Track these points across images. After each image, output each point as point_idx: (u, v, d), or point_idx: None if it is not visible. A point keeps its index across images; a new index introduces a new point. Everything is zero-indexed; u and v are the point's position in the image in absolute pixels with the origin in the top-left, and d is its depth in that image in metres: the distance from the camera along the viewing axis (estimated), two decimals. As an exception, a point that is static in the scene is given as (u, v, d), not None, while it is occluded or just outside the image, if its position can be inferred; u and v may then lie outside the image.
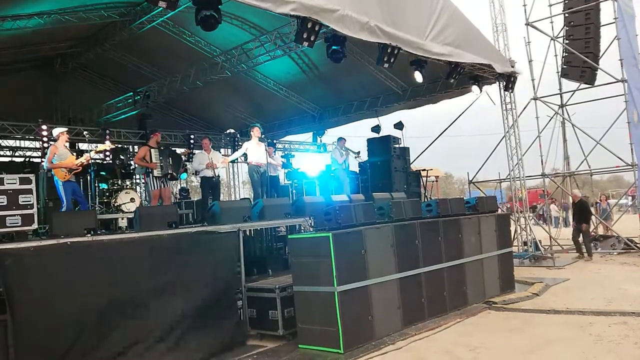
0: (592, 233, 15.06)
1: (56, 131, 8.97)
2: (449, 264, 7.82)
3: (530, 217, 14.20)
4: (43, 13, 10.33)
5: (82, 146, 15.48)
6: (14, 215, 6.22)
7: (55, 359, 5.25)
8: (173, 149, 14.42)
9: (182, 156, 12.12)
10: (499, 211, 10.44)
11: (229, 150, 19.41)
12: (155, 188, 9.70)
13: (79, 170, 8.88)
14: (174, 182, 10.61)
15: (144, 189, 12.90)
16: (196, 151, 14.24)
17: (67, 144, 9.20)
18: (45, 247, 5.59)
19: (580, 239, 12.79)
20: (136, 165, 11.67)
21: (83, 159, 8.88)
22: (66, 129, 9.09)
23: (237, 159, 10.52)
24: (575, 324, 6.67)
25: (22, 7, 9.90)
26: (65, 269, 5.57)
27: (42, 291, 5.34)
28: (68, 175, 8.56)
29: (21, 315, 5.14)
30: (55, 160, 8.52)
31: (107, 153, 13.55)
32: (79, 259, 5.71)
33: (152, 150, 9.71)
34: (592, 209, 15.53)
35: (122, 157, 15.01)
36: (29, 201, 6.37)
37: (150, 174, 9.71)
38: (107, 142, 11.28)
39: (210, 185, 11.12)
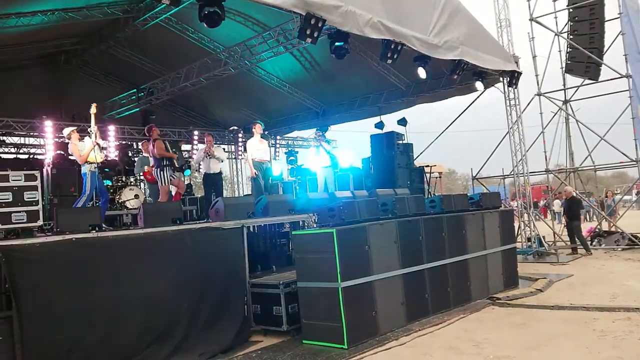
0: (597, 229, 15.08)
1: (67, 131, 9.03)
2: (452, 259, 7.83)
3: (534, 213, 14.18)
4: (47, 10, 10.36)
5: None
6: (20, 211, 6.24)
7: (62, 355, 5.29)
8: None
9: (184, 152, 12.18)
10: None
11: (232, 147, 19.47)
12: (166, 184, 9.73)
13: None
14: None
15: (146, 187, 12.93)
16: (200, 145, 14.30)
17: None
18: (51, 244, 5.61)
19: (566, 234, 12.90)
20: (142, 165, 11.76)
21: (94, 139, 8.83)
22: (75, 128, 9.15)
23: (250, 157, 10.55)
24: (579, 320, 6.67)
25: (26, 4, 9.92)
26: (70, 266, 5.60)
27: (48, 287, 5.37)
28: (103, 157, 8.87)
29: (27, 311, 5.17)
30: (83, 152, 8.64)
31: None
32: (84, 255, 5.74)
33: (165, 142, 9.81)
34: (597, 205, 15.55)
35: (129, 153, 15.07)
36: (34, 198, 6.40)
37: (165, 168, 9.68)
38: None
39: (213, 182, 11.17)
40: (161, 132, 16.01)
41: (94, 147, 8.56)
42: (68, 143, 9.09)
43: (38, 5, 10.09)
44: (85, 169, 8.63)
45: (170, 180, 9.81)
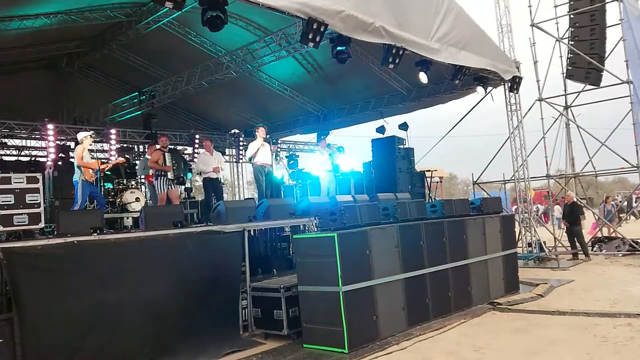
0: (598, 234, 15.08)
1: (81, 135, 9.14)
2: (453, 264, 7.83)
3: (534, 218, 14.18)
4: (49, 13, 10.40)
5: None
6: (21, 214, 6.25)
7: (62, 357, 5.28)
8: (179, 149, 14.55)
9: (186, 156, 12.14)
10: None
11: (233, 150, 19.47)
12: (163, 191, 9.82)
13: (101, 174, 9.28)
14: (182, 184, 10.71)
15: (147, 190, 12.97)
16: (201, 150, 14.27)
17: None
18: (52, 246, 5.62)
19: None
20: (145, 167, 11.80)
21: (104, 166, 9.37)
22: (90, 133, 9.23)
23: (252, 157, 10.57)
24: (579, 325, 6.67)
25: (29, 7, 9.96)
26: (71, 268, 5.61)
27: (49, 289, 5.38)
28: (94, 176, 8.86)
29: (28, 313, 5.18)
30: (84, 160, 8.78)
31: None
32: (85, 257, 5.75)
33: (166, 153, 9.85)
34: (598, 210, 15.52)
35: (127, 156, 15.08)
36: (36, 200, 6.41)
37: (160, 177, 9.82)
38: (120, 158, 11.41)
39: (214, 186, 11.19)
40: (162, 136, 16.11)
41: (94, 170, 8.88)
42: (76, 144, 9.30)
43: (41, 7, 10.13)
44: (76, 177, 8.65)
45: (168, 189, 9.90)
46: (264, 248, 9.68)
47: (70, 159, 14.51)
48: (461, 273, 7.96)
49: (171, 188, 9.92)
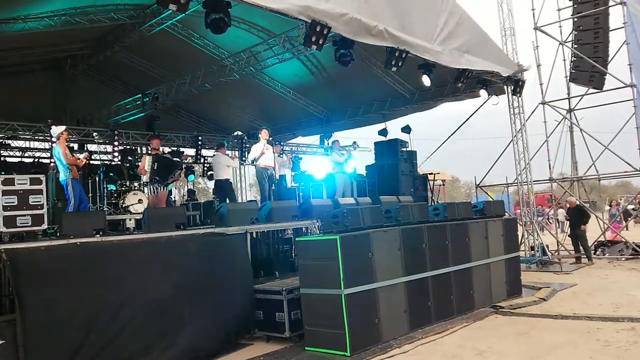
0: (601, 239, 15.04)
1: (57, 130, 8.86)
2: (456, 267, 7.81)
3: (537, 222, 14.15)
4: (54, 14, 10.44)
5: (92, 147, 15.61)
6: (24, 215, 6.28)
7: (65, 359, 5.28)
8: (182, 151, 14.56)
9: (177, 159, 12.01)
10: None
11: (236, 152, 19.48)
12: (153, 193, 9.87)
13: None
14: (166, 184, 10.52)
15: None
16: (217, 154, 14.17)
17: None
18: (55, 247, 5.64)
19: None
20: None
21: (82, 157, 9.10)
22: (65, 127, 9.03)
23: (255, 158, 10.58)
24: (582, 330, 6.65)
25: (33, 7, 10.00)
26: (74, 270, 5.62)
27: (51, 291, 5.38)
28: (76, 174, 8.74)
29: (31, 315, 5.18)
30: (70, 157, 8.61)
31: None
32: (88, 259, 5.76)
33: (147, 158, 9.88)
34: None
35: (130, 158, 15.11)
36: (39, 201, 6.43)
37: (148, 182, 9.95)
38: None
39: (229, 189, 11.34)
40: (164, 138, 16.17)
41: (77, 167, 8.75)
42: (55, 142, 9.06)
43: (44, 7, 10.16)
44: (65, 176, 8.53)
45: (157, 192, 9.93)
46: (267, 250, 9.69)
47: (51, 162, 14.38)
48: (464, 276, 7.95)
49: (160, 190, 9.94)
